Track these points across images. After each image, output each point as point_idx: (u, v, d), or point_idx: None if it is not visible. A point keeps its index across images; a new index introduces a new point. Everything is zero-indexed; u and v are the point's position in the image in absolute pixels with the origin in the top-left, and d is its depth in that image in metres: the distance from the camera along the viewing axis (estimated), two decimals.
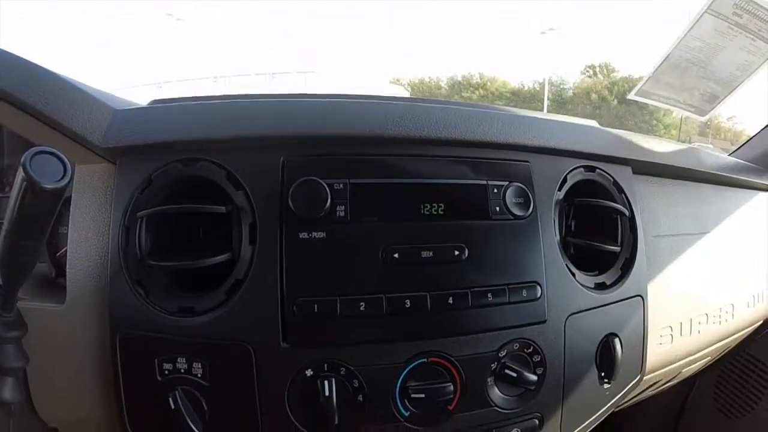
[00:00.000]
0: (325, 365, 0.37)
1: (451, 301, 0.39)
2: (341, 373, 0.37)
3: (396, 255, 0.38)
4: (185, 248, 0.39)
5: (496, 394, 0.41)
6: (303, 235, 0.38)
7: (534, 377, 0.41)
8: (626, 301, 0.48)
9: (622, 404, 0.57)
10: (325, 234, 0.38)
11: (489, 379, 0.41)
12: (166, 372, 0.37)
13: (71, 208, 0.40)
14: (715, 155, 0.67)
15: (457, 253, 0.40)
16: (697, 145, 0.86)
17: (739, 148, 0.77)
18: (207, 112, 0.41)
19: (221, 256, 0.37)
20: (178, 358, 0.37)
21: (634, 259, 0.49)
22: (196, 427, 0.36)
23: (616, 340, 0.45)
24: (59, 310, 0.40)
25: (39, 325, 0.39)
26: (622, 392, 0.49)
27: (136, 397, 0.38)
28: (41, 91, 0.35)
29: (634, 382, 0.50)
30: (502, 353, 0.41)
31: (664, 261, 0.54)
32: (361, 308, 0.37)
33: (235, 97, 0.44)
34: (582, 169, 0.48)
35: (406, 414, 0.39)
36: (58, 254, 0.45)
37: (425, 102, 0.47)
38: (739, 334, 0.68)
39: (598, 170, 0.49)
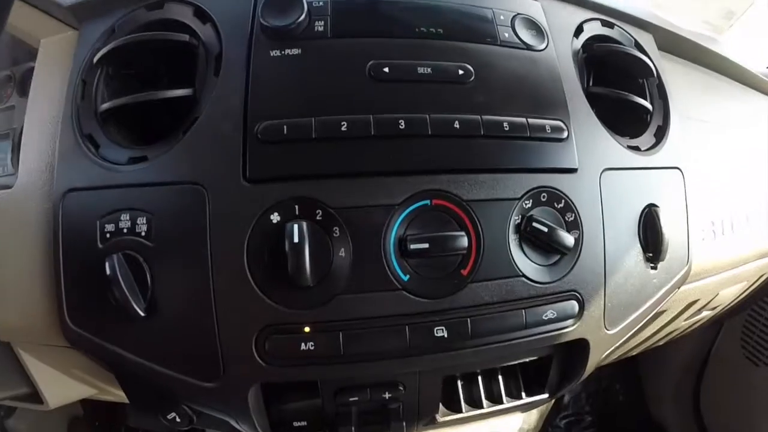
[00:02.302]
0: (296, 207, 0.27)
1: (457, 125, 0.29)
2: (317, 218, 0.27)
3: (386, 69, 0.29)
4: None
5: (522, 259, 0.30)
6: (274, 53, 0.29)
7: (570, 238, 0.30)
8: (665, 170, 0.38)
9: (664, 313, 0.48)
10: (300, 50, 0.29)
11: (513, 238, 0.30)
12: (108, 235, 0.28)
13: (32, 85, 0.35)
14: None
15: (461, 72, 0.30)
16: None
17: None
18: None
19: (181, 90, 0.29)
20: (121, 215, 0.28)
21: (668, 125, 0.40)
22: (135, 301, 0.27)
23: (660, 213, 0.35)
24: (8, 194, 0.33)
25: None
26: (670, 284, 0.38)
27: (76, 275, 0.29)
28: None
29: (681, 273, 0.39)
30: (527, 204, 0.30)
31: (698, 144, 0.45)
32: (343, 128, 0.27)
33: None
34: (599, 22, 0.40)
35: (405, 278, 0.28)
36: None
37: None
38: None
39: (617, 27, 0.41)
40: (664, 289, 0.38)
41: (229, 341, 0.28)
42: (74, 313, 0.29)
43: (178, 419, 0.34)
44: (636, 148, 0.38)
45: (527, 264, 0.30)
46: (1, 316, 0.33)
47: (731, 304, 0.66)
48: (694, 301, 0.54)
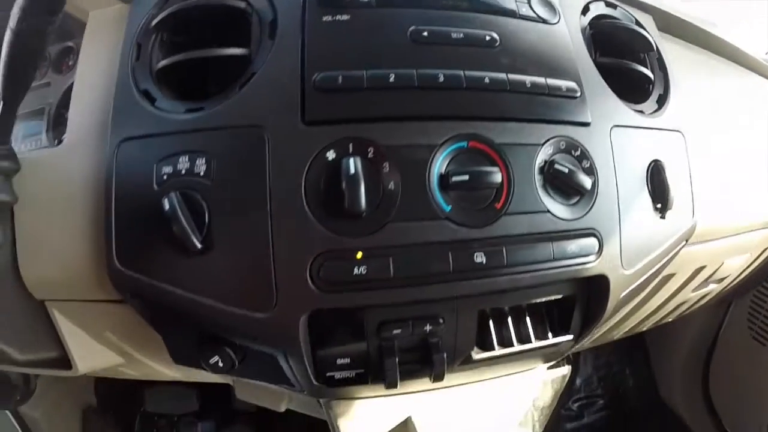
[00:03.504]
0: (350, 145, 0.30)
1: (487, 81, 0.33)
2: (369, 155, 0.30)
3: (425, 33, 0.33)
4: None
5: (547, 197, 0.34)
6: (326, 18, 0.33)
7: (588, 180, 0.34)
8: (667, 132, 0.42)
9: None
10: (349, 16, 0.33)
11: (538, 178, 0.33)
12: (165, 177, 0.30)
13: (81, 53, 0.37)
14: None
15: (488, 38, 0.34)
16: None
17: None
18: None
19: (238, 49, 0.32)
20: (180, 158, 0.30)
21: (668, 93, 0.44)
22: (193, 234, 0.29)
23: (665, 167, 0.39)
24: (55, 151, 0.35)
25: (32, 171, 0.33)
26: (679, 235, 0.41)
27: (128, 219, 0.31)
28: None
29: (688, 227, 0.42)
30: (549, 150, 0.34)
31: (696, 114, 0.48)
32: (390, 80, 0.31)
33: None
34: (603, 3, 0.45)
35: (447, 208, 0.31)
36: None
37: None
38: None
39: (619, 8, 0.46)
40: (673, 238, 0.41)
41: (284, 270, 0.29)
42: (123, 256, 0.31)
43: (220, 363, 0.33)
44: (640, 112, 0.41)
45: (551, 202, 0.34)
46: (41, 270, 0.34)
47: (737, 280, 0.68)
48: (701, 268, 0.56)
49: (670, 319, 0.72)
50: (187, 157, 0.30)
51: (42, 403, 0.71)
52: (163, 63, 0.33)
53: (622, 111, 0.39)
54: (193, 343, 0.34)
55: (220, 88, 0.33)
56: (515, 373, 0.43)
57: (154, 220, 0.30)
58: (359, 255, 0.30)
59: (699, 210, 0.44)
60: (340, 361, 0.34)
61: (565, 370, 0.76)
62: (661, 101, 0.44)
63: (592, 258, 0.35)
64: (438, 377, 0.34)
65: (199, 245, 0.29)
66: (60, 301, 0.38)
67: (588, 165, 0.35)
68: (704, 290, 0.65)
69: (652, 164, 0.39)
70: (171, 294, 0.30)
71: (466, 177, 0.31)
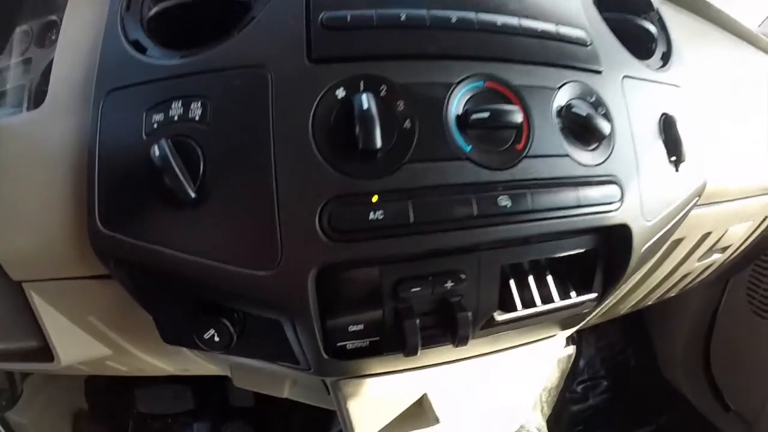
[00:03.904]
0: (361, 82, 0.28)
1: (499, 24, 0.31)
2: (381, 93, 0.28)
3: None
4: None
5: (567, 142, 0.32)
6: None
7: (607, 124, 0.32)
8: (674, 87, 0.42)
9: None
10: None
11: (556, 121, 0.32)
12: (155, 125, 0.27)
13: (65, 11, 0.35)
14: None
15: None
16: None
17: None
18: None
19: None
20: (173, 103, 0.27)
21: (671, 50, 0.44)
22: (186, 182, 0.26)
23: (675, 120, 0.38)
24: (32, 114, 0.32)
25: (6, 137, 0.31)
26: (693, 189, 0.40)
27: (113, 174, 0.28)
28: None
29: (700, 183, 0.42)
30: (565, 94, 0.33)
31: (696, 77, 0.48)
32: (402, 19, 0.29)
33: None
34: None
35: (468, 148, 0.29)
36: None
37: None
38: None
39: None
40: (687, 193, 0.40)
41: (290, 218, 0.26)
42: (107, 216, 0.27)
43: (216, 337, 0.30)
44: (647, 67, 0.41)
45: (571, 147, 0.32)
46: (17, 244, 0.31)
47: (739, 250, 0.68)
48: (707, 234, 0.56)
49: (672, 293, 0.72)
50: (180, 102, 0.27)
51: (30, 408, 0.67)
52: (155, 9, 0.30)
53: (632, 63, 0.38)
54: (186, 317, 0.30)
55: (217, 35, 0.30)
56: (533, 341, 0.41)
57: (142, 173, 0.27)
58: (375, 198, 0.27)
59: (707, 168, 0.43)
60: (352, 328, 0.31)
61: (571, 349, 0.75)
62: (665, 58, 0.43)
63: (614, 206, 0.33)
64: (462, 341, 0.31)
65: (193, 194, 0.26)
66: (39, 281, 0.34)
67: (604, 112, 0.34)
68: (708, 260, 0.65)
69: (663, 117, 0.38)
70: (160, 255, 0.27)
71: (486, 114, 0.28)
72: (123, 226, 0.28)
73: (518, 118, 0.29)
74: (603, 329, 0.96)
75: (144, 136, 0.27)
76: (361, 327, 0.31)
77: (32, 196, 0.31)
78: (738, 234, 0.62)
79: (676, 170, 0.39)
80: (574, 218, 0.31)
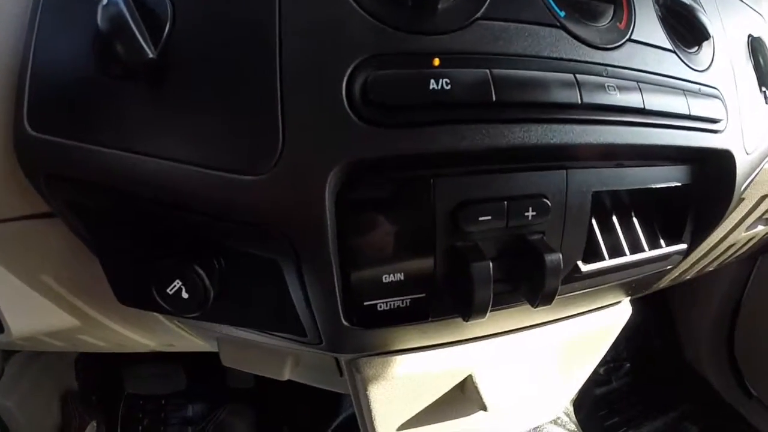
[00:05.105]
0: None
1: None
2: None
3: None
4: None
5: (669, 36, 0.26)
6: None
7: (709, 20, 0.27)
8: (759, 15, 0.36)
9: None
10: None
11: (656, 8, 0.26)
12: None
13: None
14: None
15: None
16: None
17: None
18: None
19: None
20: None
21: None
22: (145, 41, 0.17)
23: (763, 42, 0.34)
24: None
25: None
26: None
27: (50, 56, 0.19)
28: None
29: None
30: None
31: None
32: None
33: None
34: None
35: (562, 13, 0.21)
36: None
37: None
38: None
39: None
40: None
41: (300, 86, 0.17)
42: (37, 114, 0.19)
43: (184, 293, 0.20)
44: None
45: (674, 43, 0.25)
46: None
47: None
48: (765, 197, 0.50)
49: (711, 268, 0.67)
50: None
51: (15, 390, 0.60)
52: None
53: None
54: (143, 263, 0.20)
55: None
56: (597, 309, 0.33)
57: (83, 47, 0.18)
58: (436, 61, 0.18)
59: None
60: (387, 279, 0.21)
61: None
62: None
63: (720, 125, 0.27)
64: (546, 297, 0.22)
65: (150, 53, 0.17)
66: None
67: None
68: (753, 231, 0.59)
69: (751, 38, 0.33)
70: (107, 159, 0.18)
71: None
72: (56, 123, 0.19)
73: None
74: None
75: None
76: (400, 276, 0.21)
77: None
78: None
79: (766, 102, 0.32)
80: (684, 131, 0.24)
